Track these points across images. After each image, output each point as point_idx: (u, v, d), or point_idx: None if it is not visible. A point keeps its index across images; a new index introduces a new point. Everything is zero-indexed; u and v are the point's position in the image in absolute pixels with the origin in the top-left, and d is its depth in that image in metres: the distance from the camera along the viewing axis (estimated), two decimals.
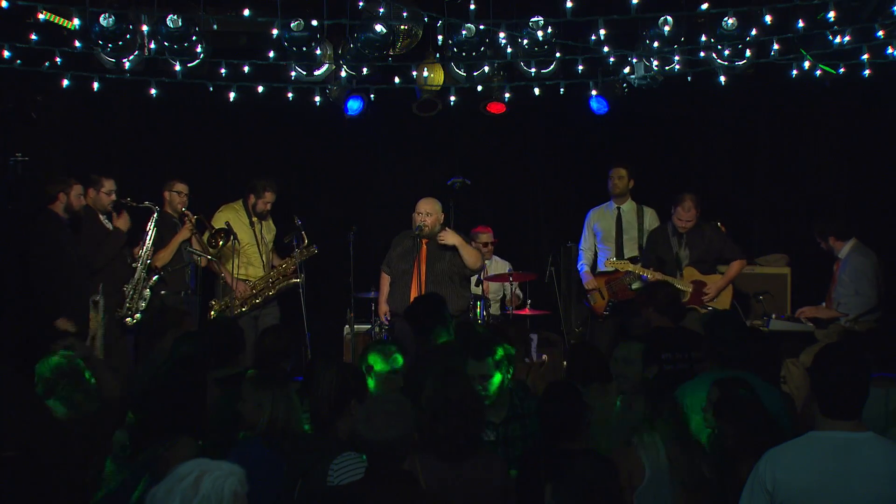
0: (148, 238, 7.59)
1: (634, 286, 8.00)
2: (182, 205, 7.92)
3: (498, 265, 8.75)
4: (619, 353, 5.13)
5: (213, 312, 7.90)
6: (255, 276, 8.06)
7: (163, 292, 7.68)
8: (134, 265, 7.55)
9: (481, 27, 6.82)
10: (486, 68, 7.51)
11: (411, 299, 7.04)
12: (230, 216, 8.08)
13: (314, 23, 6.83)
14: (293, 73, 7.39)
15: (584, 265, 8.29)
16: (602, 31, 6.82)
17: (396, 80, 7.67)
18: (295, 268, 8.08)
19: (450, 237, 7.23)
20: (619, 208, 8.28)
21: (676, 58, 7.22)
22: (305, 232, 8.04)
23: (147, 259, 7.58)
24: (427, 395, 4.03)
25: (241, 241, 7.96)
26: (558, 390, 4.37)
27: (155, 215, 7.62)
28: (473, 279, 7.74)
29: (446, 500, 3.75)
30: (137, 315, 7.46)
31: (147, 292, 7.51)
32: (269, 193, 8.20)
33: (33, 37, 6.67)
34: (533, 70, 7.51)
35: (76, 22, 6.62)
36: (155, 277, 7.58)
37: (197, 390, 4.22)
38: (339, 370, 4.28)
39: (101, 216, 7.55)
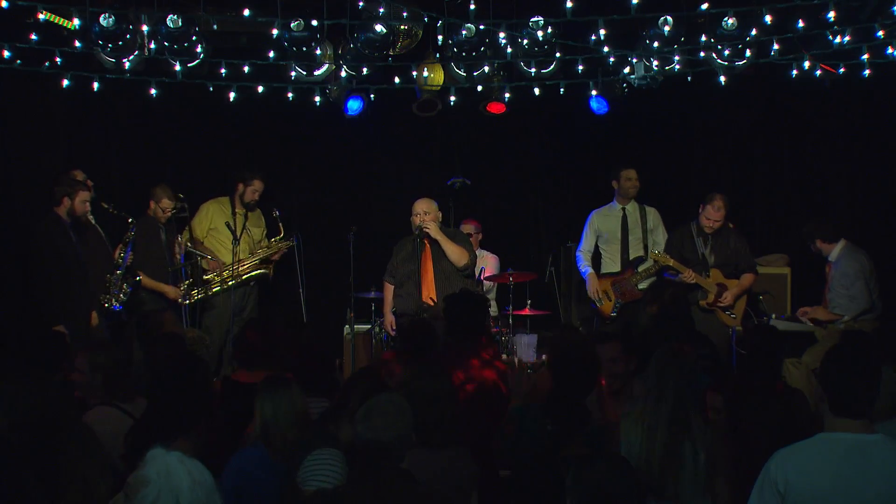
0: (126, 247, 7.54)
1: (641, 286, 7.98)
2: (164, 219, 7.83)
3: (485, 259, 8.62)
4: None
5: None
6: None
7: None
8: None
9: (481, 27, 6.82)
10: (486, 68, 7.51)
11: (422, 298, 7.02)
12: (214, 209, 8.16)
13: (314, 23, 6.83)
14: (293, 73, 7.40)
15: (588, 268, 8.12)
16: (602, 31, 6.82)
17: (396, 80, 7.66)
18: (267, 257, 8.22)
19: (432, 229, 7.09)
20: (623, 209, 8.22)
21: (676, 58, 7.22)
22: (283, 224, 8.31)
23: (123, 262, 7.51)
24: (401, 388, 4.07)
25: (221, 233, 8.06)
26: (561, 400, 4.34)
27: (132, 227, 7.52)
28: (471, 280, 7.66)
29: (443, 497, 3.75)
30: (115, 302, 7.39)
31: (125, 287, 7.43)
32: (257, 181, 8.23)
33: (33, 37, 6.66)
34: (533, 70, 7.51)
35: (76, 22, 6.61)
36: (137, 279, 7.55)
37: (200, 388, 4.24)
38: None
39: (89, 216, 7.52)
